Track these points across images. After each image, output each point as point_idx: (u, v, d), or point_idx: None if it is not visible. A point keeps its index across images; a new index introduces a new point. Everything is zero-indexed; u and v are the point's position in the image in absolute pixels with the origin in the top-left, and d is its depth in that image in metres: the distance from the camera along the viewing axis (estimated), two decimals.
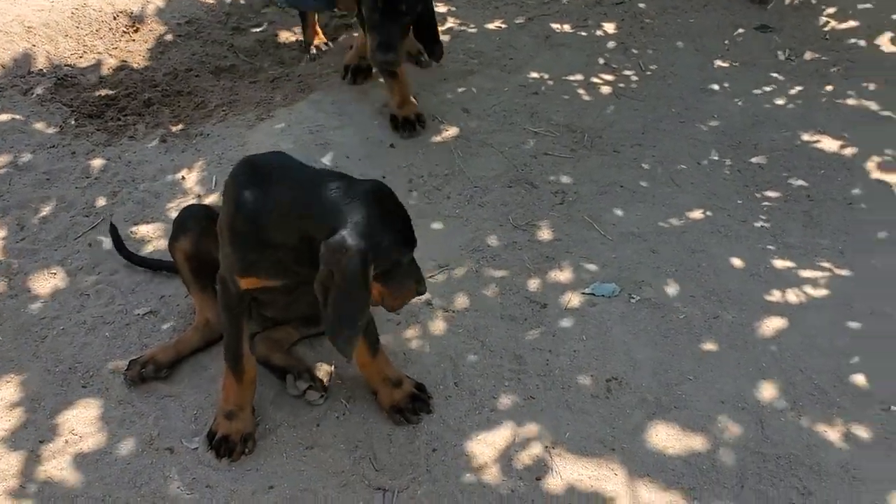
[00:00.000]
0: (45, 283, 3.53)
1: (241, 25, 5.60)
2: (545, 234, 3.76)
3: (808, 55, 5.22)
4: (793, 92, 4.88)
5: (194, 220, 3.06)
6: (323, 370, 3.11)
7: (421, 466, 2.80)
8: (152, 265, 3.54)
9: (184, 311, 3.36)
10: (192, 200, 3.88)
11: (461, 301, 3.39)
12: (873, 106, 4.74)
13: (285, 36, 5.49)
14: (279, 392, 3.03)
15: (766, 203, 4.00)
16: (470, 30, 5.46)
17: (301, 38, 5.32)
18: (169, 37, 5.43)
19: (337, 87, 4.71)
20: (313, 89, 4.75)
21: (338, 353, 2.64)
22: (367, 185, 2.49)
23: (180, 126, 4.47)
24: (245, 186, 2.55)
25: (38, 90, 4.83)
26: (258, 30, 5.57)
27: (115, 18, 5.47)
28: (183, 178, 4.06)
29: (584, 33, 5.48)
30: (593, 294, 3.44)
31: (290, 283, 2.68)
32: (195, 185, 4.01)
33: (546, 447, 2.86)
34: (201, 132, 4.38)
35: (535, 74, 4.95)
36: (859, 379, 3.11)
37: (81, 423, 2.95)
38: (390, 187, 2.56)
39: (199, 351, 3.18)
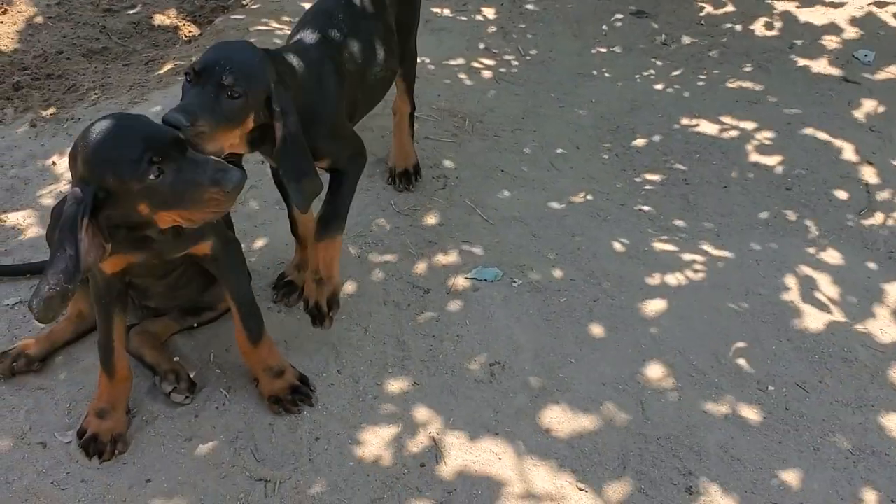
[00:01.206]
0: None
1: (113, 7, 5.44)
2: (428, 218, 3.76)
3: (684, 40, 5.35)
4: (670, 77, 4.99)
5: None
6: (195, 361, 3.05)
7: (303, 456, 2.77)
8: (12, 272, 3.38)
9: None
10: (64, 187, 3.75)
11: (344, 287, 3.36)
12: (749, 90, 4.89)
13: (160, 18, 5.35)
14: (157, 387, 2.95)
15: (645, 187, 4.09)
16: None
17: (175, 21, 5.18)
18: (39, 18, 5.23)
19: None
20: None
21: (216, 343, 2.59)
22: None
23: (51, 110, 4.32)
24: None
25: None
26: (132, 11, 5.42)
27: None
28: (54, 163, 3.92)
29: (463, 18, 5.50)
30: (476, 279, 3.45)
31: (152, 257, 2.61)
32: (67, 170, 3.87)
33: (431, 434, 2.86)
34: (72, 116, 4.24)
35: None
36: (737, 360, 3.20)
37: None
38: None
39: (72, 342, 3.09)
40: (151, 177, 2.29)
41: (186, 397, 2.89)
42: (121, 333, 2.77)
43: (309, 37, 3.07)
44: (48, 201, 3.65)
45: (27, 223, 3.61)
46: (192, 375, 2.96)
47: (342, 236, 3.05)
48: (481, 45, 5.20)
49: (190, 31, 5.31)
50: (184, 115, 2.44)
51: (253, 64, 2.63)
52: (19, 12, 5.28)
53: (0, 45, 4.98)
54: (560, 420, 2.93)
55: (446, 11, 5.54)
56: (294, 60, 2.89)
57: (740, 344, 3.26)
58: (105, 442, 2.73)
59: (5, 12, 5.25)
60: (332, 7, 3.21)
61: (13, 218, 3.63)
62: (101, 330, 2.74)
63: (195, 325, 3.15)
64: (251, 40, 4.31)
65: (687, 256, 3.66)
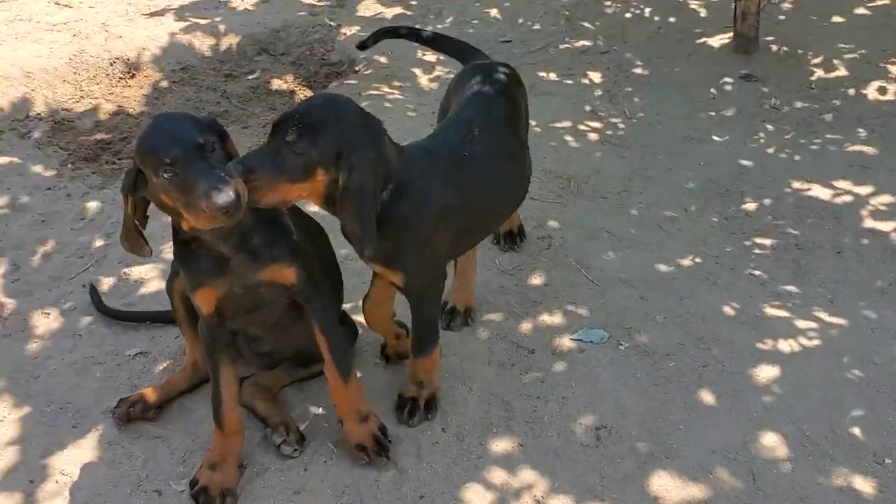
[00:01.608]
0: (39, 323, 3.55)
1: (233, 72, 5.67)
2: (533, 278, 3.78)
3: (795, 104, 5.30)
4: (781, 140, 4.95)
5: None
6: (306, 415, 3.12)
7: None
8: (135, 318, 3.55)
9: (174, 353, 3.37)
10: None
11: (449, 345, 3.39)
12: (862, 154, 4.80)
13: (277, 83, 5.56)
14: (269, 439, 3.02)
15: (755, 251, 4.04)
16: None
17: (292, 85, 5.37)
18: (164, 83, 5.49)
19: None
20: None
21: (325, 396, 2.66)
22: None
23: None
24: None
25: (36, 134, 4.88)
26: (251, 77, 5.64)
27: (111, 65, 5.54)
28: None
29: (570, 82, 5.56)
30: (582, 340, 3.45)
31: (234, 283, 2.71)
32: None
33: (536, 497, 2.85)
34: None
35: None
36: (852, 430, 3.10)
37: (71, 464, 2.95)
38: None
39: (186, 392, 3.19)
40: (165, 175, 2.49)
41: (295, 450, 2.95)
42: (230, 386, 2.86)
43: (434, 144, 3.01)
44: (168, 255, 3.80)
45: (149, 277, 3.76)
46: (301, 428, 3.02)
47: (438, 347, 3.08)
48: (587, 108, 5.24)
49: (305, 96, 5.49)
50: (241, 167, 2.51)
51: (325, 123, 2.60)
52: (146, 77, 5.55)
53: (128, 107, 5.24)
54: (668, 488, 2.89)
55: (552, 75, 5.61)
56: (411, 153, 2.85)
57: (855, 413, 3.17)
58: (214, 495, 2.79)
59: (133, 76, 5.53)
60: (470, 117, 3.14)
61: (136, 272, 3.79)
62: (212, 381, 2.85)
63: (305, 377, 3.23)
64: (364, 104, 4.44)
65: (800, 323, 3.59)
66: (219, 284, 2.72)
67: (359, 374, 3.05)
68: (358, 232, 2.65)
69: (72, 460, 2.96)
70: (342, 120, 2.63)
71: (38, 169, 4.56)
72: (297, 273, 2.78)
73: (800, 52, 5.84)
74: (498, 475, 2.91)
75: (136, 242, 2.73)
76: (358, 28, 6.16)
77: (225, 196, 2.43)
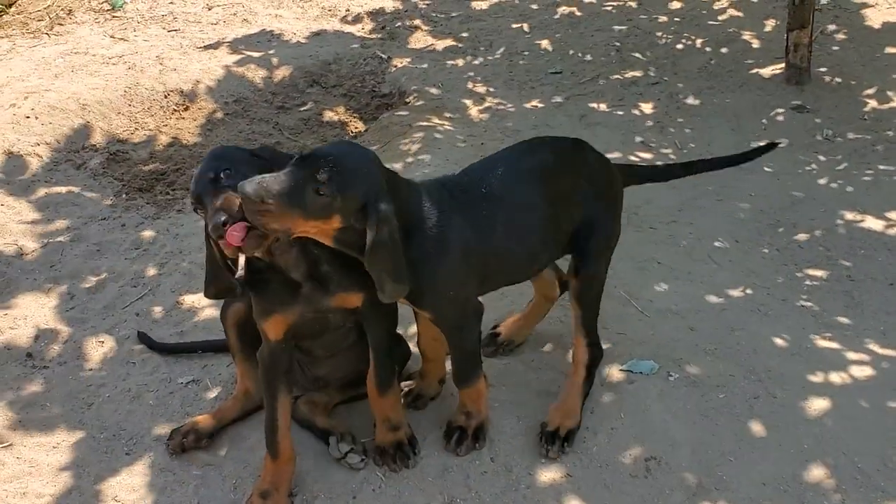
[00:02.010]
0: (94, 350, 3.61)
1: (286, 104, 5.75)
2: None
3: (848, 135, 5.25)
4: (833, 171, 4.90)
5: None
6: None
7: None
8: (187, 349, 3.60)
9: (226, 380, 3.41)
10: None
11: (496, 375, 3.39)
12: None
13: (329, 115, 5.63)
14: (317, 462, 3.04)
15: (806, 282, 4.00)
16: (508, 109, 5.56)
17: (343, 117, 5.44)
18: (218, 115, 5.59)
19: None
20: None
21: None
22: None
23: None
24: None
25: (92, 164, 4.98)
26: (303, 109, 5.72)
27: (166, 97, 5.65)
28: None
29: (620, 112, 5.56)
30: (631, 371, 3.43)
31: (306, 310, 2.76)
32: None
33: None
34: None
35: None
36: None
37: (125, 490, 2.99)
38: None
39: (238, 420, 3.22)
40: (198, 213, 2.71)
41: (362, 459, 2.99)
42: (286, 414, 2.89)
43: (462, 181, 2.99)
44: None
45: (202, 305, 3.82)
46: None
47: (483, 377, 3.07)
48: (638, 139, 5.24)
49: (356, 128, 5.56)
50: (256, 188, 2.47)
51: (356, 174, 2.59)
52: (200, 108, 5.65)
53: (182, 139, 5.34)
54: None
55: (602, 106, 5.62)
56: (426, 193, 2.82)
57: None
58: None
59: (187, 108, 5.63)
60: (501, 157, 3.15)
61: (189, 300, 3.85)
62: (268, 408, 2.88)
63: (356, 397, 3.24)
64: (415, 135, 4.49)
65: (852, 355, 3.54)
66: (291, 312, 2.78)
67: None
68: (392, 279, 2.65)
69: (125, 486, 3.01)
70: (372, 174, 2.63)
71: (93, 199, 4.65)
72: (364, 297, 2.82)
73: (852, 83, 5.80)
74: None
75: (222, 284, 2.87)
76: (408, 60, 6.23)
77: (233, 237, 2.53)
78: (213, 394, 3.37)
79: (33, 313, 3.83)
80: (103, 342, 3.66)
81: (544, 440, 3.09)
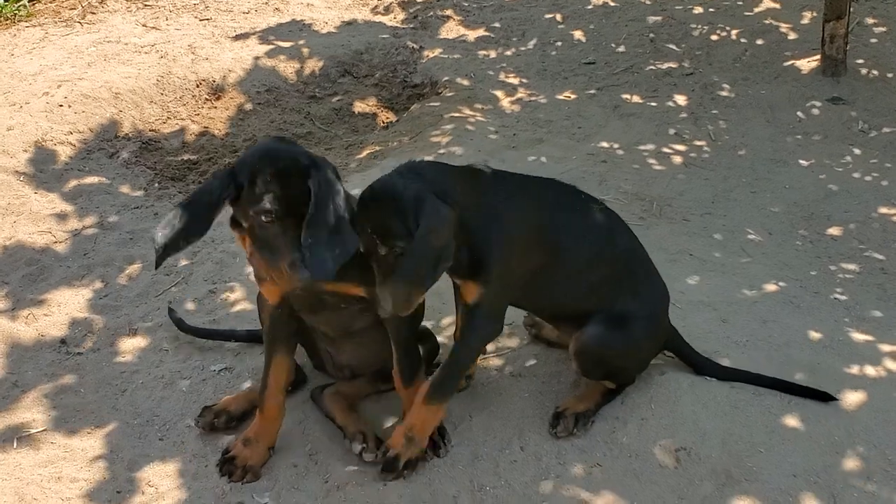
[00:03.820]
0: (127, 338, 3.65)
1: (317, 94, 5.77)
2: None
3: (884, 128, 5.20)
4: (868, 164, 4.86)
5: None
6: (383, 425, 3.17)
7: None
8: (216, 336, 3.61)
9: (258, 368, 3.42)
10: None
11: (528, 365, 3.40)
12: None
13: (360, 106, 5.64)
14: (348, 448, 3.06)
15: (840, 275, 3.97)
16: (540, 100, 5.55)
17: (375, 108, 5.45)
18: (249, 105, 5.61)
19: (408, 153, 4.82)
20: (386, 156, 4.86)
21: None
22: None
23: None
24: None
25: (124, 154, 5.03)
26: (335, 99, 5.74)
27: (198, 86, 5.68)
28: None
29: (654, 103, 5.53)
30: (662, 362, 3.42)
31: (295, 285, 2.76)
32: None
33: None
34: None
35: (604, 143, 5.00)
36: None
37: (158, 476, 3.02)
38: None
39: None
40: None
41: (376, 455, 3.00)
42: (278, 375, 3.00)
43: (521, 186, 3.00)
44: (251, 275, 3.87)
45: (235, 295, 3.84)
46: (378, 436, 3.08)
47: (446, 406, 3.00)
48: (671, 131, 5.21)
49: (387, 118, 5.57)
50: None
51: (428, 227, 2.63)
52: (231, 99, 5.68)
53: (213, 128, 5.37)
54: None
55: (636, 97, 5.60)
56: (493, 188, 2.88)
57: None
58: (237, 467, 2.96)
59: (219, 98, 5.66)
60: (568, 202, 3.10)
61: (222, 290, 3.88)
62: (264, 367, 3.00)
63: (385, 390, 3.26)
64: (446, 127, 4.47)
65: (885, 347, 3.51)
66: (281, 282, 2.77)
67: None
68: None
69: (158, 472, 3.03)
70: (410, 207, 2.66)
71: (125, 188, 4.69)
72: (367, 289, 2.84)
73: (889, 75, 5.73)
74: (575, 496, 2.90)
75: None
76: (440, 50, 6.23)
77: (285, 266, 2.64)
78: (246, 383, 3.39)
79: (67, 301, 3.87)
80: (136, 330, 3.69)
81: (550, 420, 3.12)
